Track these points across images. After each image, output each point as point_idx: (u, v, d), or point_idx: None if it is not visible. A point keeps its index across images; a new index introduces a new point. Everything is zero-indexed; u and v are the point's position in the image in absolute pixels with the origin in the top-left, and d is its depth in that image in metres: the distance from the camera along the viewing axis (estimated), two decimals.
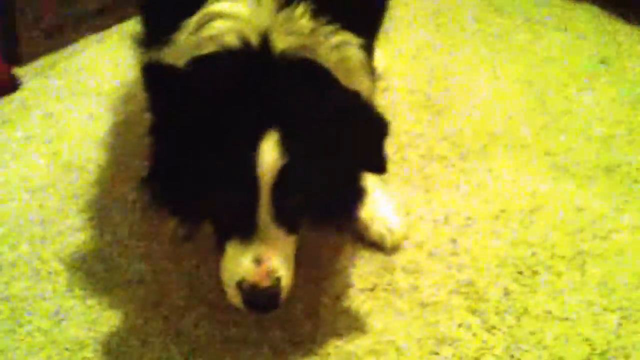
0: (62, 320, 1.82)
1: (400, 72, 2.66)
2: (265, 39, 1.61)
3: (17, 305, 1.84)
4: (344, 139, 1.58)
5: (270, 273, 1.58)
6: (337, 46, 1.71)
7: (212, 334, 1.78)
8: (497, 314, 1.84)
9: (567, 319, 1.83)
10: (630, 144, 2.39)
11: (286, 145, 1.52)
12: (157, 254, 1.96)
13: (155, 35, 1.79)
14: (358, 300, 1.86)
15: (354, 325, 1.80)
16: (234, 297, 1.63)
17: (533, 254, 1.98)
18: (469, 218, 2.08)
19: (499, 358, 1.75)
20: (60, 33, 2.70)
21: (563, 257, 1.98)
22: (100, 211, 2.06)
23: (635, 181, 2.24)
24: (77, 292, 1.87)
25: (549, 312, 1.84)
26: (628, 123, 2.47)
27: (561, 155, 2.32)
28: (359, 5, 1.79)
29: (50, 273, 1.92)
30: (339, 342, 1.76)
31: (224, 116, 1.54)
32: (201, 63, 1.63)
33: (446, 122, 2.44)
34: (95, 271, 1.92)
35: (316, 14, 1.66)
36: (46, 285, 1.89)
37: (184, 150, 1.58)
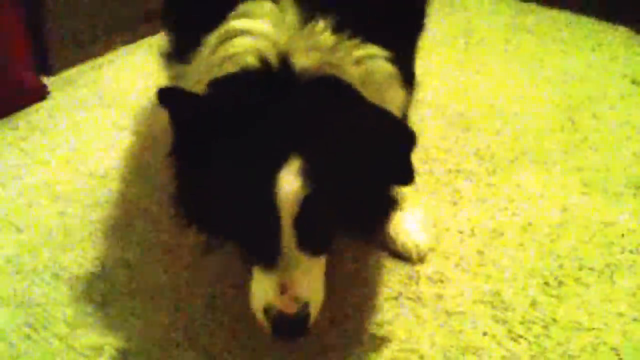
0: (80, 326, 1.79)
1: (430, 88, 2.64)
2: (284, 58, 1.54)
3: (35, 310, 1.83)
4: (370, 156, 1.52)
5: (296, 300, 1.53)
6: (361, 60, 1.64)
7: (232, 344, 1.74)
8: (523, 323, 1.79)
9: (595, 329, 1.78)
10: None
11: (308, 173, 1.45)
12: (179, 263, 1.94)
13: (178, 50, 1.77)
14: (382, 308, 1.83)
15: (378, 333, 1.77)
16: (262, 322, 1.56)
17: (561, 266, 1.94)
18: (495, 230, 2.05)
19: None
20: (92, 44, 2.72)
21: (592, 269, 1.93)
22: (123, 221, 2.05)
23: None
24: (96, 298, 1.85)
25: (577, 323, 1.79)
26: None
27: (590, 171, 2.28)
28: (388, 17, 1.74)
29: (70, 279, 1.90)
30: (362, 350, 1.72)
31: (241, 143, 1.48)
32: (219, 86, 1.57)
33: (475, 137, 2.41)
34: (115, 279, 1.90)
35: (338, 28, 1.59)
36: (65, 291, 1.87)
37: (204, 175, 1.54)
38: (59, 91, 2.61)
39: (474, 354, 1.72)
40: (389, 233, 1.97)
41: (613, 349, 1.73)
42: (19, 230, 2.03)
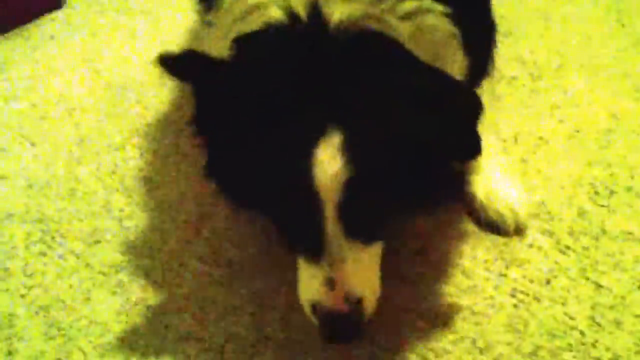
0: (97, 242, 1.70)
1: None
2: (315, 10, 1.30)
3: (50, 227, 1.73)
4: (425, 127, 1.26)
5: (347, 296, 1.31)
6: (411, 14, 1.38)
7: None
8: (571, 234, 1.66)
9: None
10: None
11: (351, 149, 1.22)
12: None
13: None
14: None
15: (414, 246, 1.65)
16: (313, 320, 1.37)
17: (611, 175, 1.80)
18: (540, 138, 1.90)
19: (573, 280, 1.58)
20: None
21: None
22: (140, 131, 1.93)
23: None
24: (114, 213, 1.75)
25: (629, 233, 1.67)
26: None
27: None
28: None
29: (86, 193, 1.80)
30: (400, 262, 1.61)
31: (271, 115, 1.26)
32: (243, 46, 1.36)
33: (517, 42, 2.23)
34: (133, 191, 1.79)
35: None
36: (81, 206, 1.77)
37: (234, 149, 1.32)
38: None
39: (518, 266, 1.61)
40: (476, 200, 1.69)
41: None
42: (33, 144, 1.93)
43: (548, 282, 1.58)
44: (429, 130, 1.26)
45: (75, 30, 2.31)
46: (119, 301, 1.58)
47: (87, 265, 1.65)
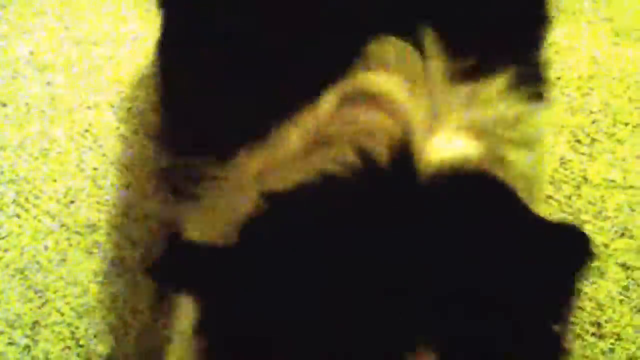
0: (72, 202, 1.67)
1: None
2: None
3: (23, 187, 1.70)
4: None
5: None
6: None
7: None
8: (552, 183, 1.65)
9: (631, 187, 1.64)
10: None
11: None
12: None
13: None
14: None
15: None
16: None
17: (593, 122, 1.78)
18: None
19: None
20: None
21: (626, 124, 1.78)
22: (114, 88, 1.89)
23: None
24: (89, 172, 1.71)
25: (611, 181, 1.65)
26: None
27: (622, 20, 2.09)
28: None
29: (60, 153, 1.76)
30: None
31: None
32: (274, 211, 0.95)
33: None
34: (108, 150, 1.75)
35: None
36: (55, 166, 1.73)
37: None
38: None
39: None
40: None
41: None
42: (4, 104, 1.88)
43: None
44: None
45: None
46: (95, 261, 1.56)
47: (63, 225, 1.62)
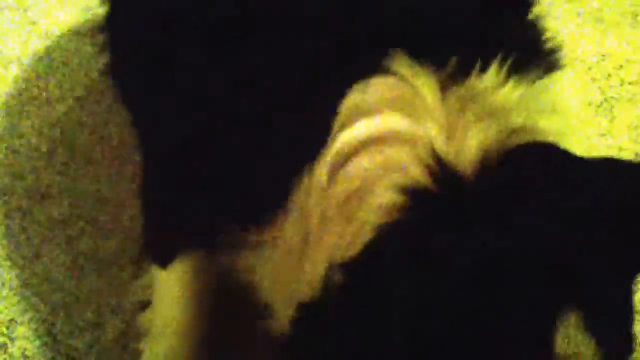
0: (43, 198, 1.67)
1: None
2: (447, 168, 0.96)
3: None
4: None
5: None
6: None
7: None
8: None
9: None
10: None
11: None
12: None
13: None
14: None
15: None
16: None
17: None
18: None
19: None
20: None
21: (590, 104, 1.81)
22: (81, 82, 1.88)
23: None
24: (59, 167, 1.71)
25: None
26: None
27: (586, 1, 2.12)
28: None
29: (29, 149, 1.75)
30: None
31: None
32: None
33: None
34: (78, 143, 1.75)
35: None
36: (24, 162, 1.73)
37: None
38: None
39: None
40: None
41: None
42: None
43: None
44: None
45: None
46: (69, 257, 1.56)
47: (35, 221, 1.62)
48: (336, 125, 1.03)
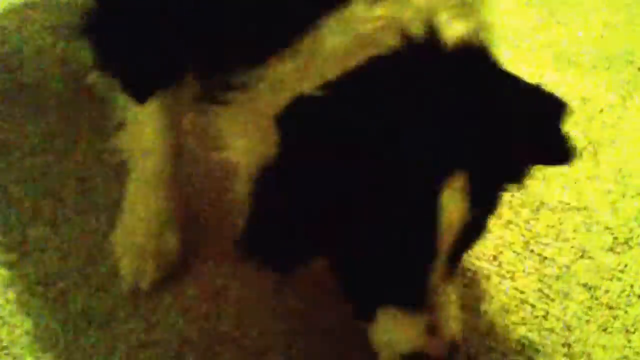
0: (32, 251, 1.62)
1: None
2: (431, 29, 1.14)
3: None
4: (525, 143, 1.23)
5: (450, 341, 1.24)
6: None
7: None
8: (511, 208, 1.69)
9: (585, 208, 1.70)
10: (631, 33, 2.26)
11: (472, 189, 1.12)
12: None
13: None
14: None
15: None
16: None
17: None
18: None
19: (519, 254, 1.61)
20: None
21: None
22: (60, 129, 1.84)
23: (639, 69, 2.11)
24: (46, 219, 1.67)
25: (566, 204, 1.71)
26: (627, 12, 2.31)
27: (562, 46, 2.16)
28: None
29: (10, 200, 1.71)
30: None
31: (379, 155, 1.11)
32: (343, 86, 1.14)
33: None
34: (63, 195, 1.72)
35: None
36: (9, 215, 1.68)
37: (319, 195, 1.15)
38: None
39: None
40: None
41: (606, 228, 1.66)
42: None
43: (495, 258, 1.60)
44: (527, 146, 1.23)
45: None
46: (62, 312, 1.52)
47: (22, 276, 1.58)
48: None
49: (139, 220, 1.56)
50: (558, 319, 1.49)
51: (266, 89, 1.22)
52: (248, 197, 1.24)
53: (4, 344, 1.47)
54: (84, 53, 1.73)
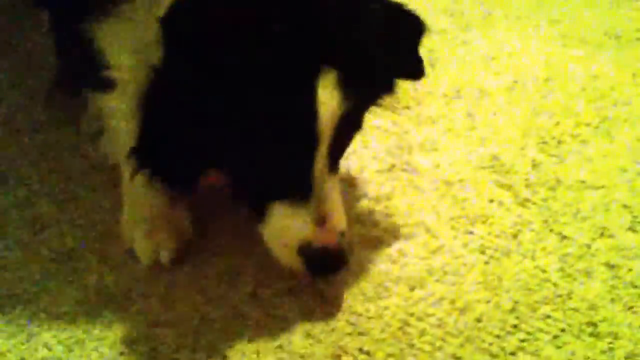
0: (42, 229, 1.59)
1: None
2: None
3: None
4: (388, 51, 1.36)
5: (336, 230, 1.34)
6: None
7: None
8: (528, 186, 1.67)
9: (602, 187, 1.68)
10: (638, 10, 2.24)
11: (344, 84, 1.26)
12: None
13: None
14: (376, 182, 1.68)
15: (376, 209, 1.62)
16: (294, 264, 1.37)
17: (557, 123, 1.82)
18: (481, 90, 1.90)
19: (538, 233, 1.58)
20: None
21: (588, 125, 1.82)
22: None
23: None
24: (55, 196, 1.64)
25: (583, 182, 1.68)
26: None
27: (568, 23, 2.14)
28: None
29: (19, 179, 1.68)
30: (363, 230, 1.58)
31: (260, 55, 1.24)
32: None
33: None
34: (71, 171, 1.68)
35: None
36: (18, 193, 1.65)
37: (204, 96, 1.28)
38: None
39: (483, 222, 1.60)
40: None
41: (625, 206, 1.64)
42: None
43: (514, 236, 1.57)
44: (388, 52, 1.35)
45: None
46: (78, 290, 1.49)
47: (36, 253, 1.54)
48: None
49: (144, 202, 1.53)
50: (582, 299, 1.46)
51: None
52: (137, 111, 1.33)
53: (21, 322, 1.44)
54: None
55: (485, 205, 1.63)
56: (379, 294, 1.47)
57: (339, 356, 1.37)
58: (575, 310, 1.45)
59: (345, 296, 1.45)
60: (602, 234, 1.58)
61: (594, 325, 1.42)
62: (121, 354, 1.39)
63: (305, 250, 1.34)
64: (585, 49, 2.05)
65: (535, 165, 1.71)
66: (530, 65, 1.98)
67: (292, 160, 1.30)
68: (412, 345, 1.38)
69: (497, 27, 2.10)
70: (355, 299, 1.46)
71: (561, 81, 1.93)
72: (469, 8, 2.18)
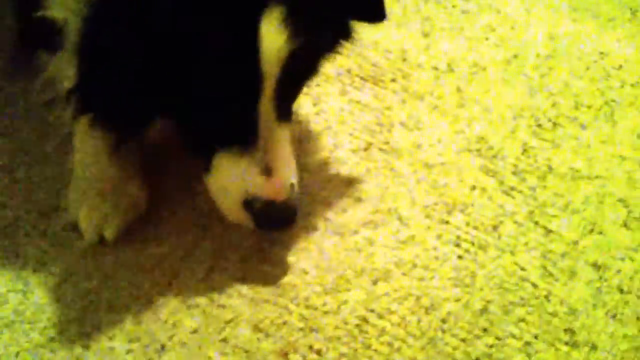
0: None
1: None
2: None
3: None
4: None
5: (285, 183, 1.27)
6: None
7: None
8: (515, 173, 1.55)
9: (597, 177, 1.55)
10: None
11: (292, 22, 1.18)
12: None
13: None
14: (350, 162, 1.55)
15: (347, 192, 1.51)
16: (240, 218, 1.30)
17: (554, 104, 1.68)
18: (476, 65, 1.76)
19: (521, 225, 1.47)
20: None
21: (589, 107, 1.68)
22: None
23: None
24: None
25: (577, 171, 1.56)
26: None
27: None
28: None
29: None
30: (329, 214, 1.47)
31: None
32: None
33: None
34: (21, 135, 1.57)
35: None
36: None
37: (144, 44, 1.19)
38: None
39: (461, 211, 1.48)
40: None
41: (620, 200, 1.52)
42: None
43: (494, 228, 1.46)
44: None
45: None
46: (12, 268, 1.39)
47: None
48: None
49: (95, 172, 1.44)
50: (562, 302, 1.36)
51: None
52: (76, 53, 1.25)
53: None
54: None
55: (466, 193, 1.51)
56: (339, 286, 1.37)
57: (286, 354, 1.29)
58: (553, 314, 1.35)
59: (300, 285, 1.36)
60: (591, 230, 1.47)
61: (572, 332, 1.33)
62: (52, 339, 1.29)
63: (251, 204, 1.27)
64: (595, 23, 1.90)
65: (525, 150, 1.59)
66: (533, 39, 1.83)
67: (235, 103, 1.22)
68: (368, 346, 1.30)
69: None
70: (312, 290, 1.36)
71: (564, 58, 1.79)
72: None
